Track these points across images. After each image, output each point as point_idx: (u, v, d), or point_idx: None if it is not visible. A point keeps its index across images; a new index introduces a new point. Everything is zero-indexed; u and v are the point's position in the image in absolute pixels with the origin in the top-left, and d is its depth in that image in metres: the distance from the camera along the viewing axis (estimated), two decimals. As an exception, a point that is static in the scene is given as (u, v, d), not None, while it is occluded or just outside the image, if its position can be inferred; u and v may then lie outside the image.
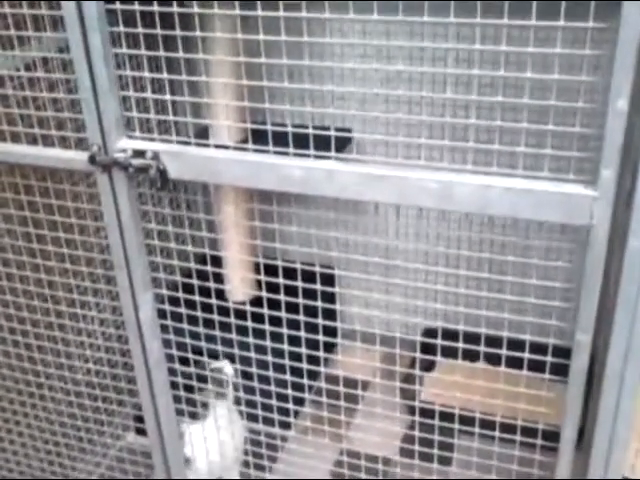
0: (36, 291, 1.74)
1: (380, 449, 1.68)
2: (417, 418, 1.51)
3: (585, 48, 1.03)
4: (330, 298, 1.54)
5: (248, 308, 1.50)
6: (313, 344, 1.52)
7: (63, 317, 1.78)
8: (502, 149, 1.17)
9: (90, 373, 1.89)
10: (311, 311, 1.48)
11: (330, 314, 1.52)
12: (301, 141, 1.27)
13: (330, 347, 1.53)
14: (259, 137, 1.31)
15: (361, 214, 1.53)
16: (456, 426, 1.46)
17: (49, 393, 1.91)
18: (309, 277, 1.43)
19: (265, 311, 1.49)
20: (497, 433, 1.41)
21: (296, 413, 1.72)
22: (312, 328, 1.50)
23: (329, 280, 1.47)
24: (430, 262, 1.46)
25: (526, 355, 1.31)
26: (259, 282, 1.53)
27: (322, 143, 1.27)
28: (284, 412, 1.66)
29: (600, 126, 1.05)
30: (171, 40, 1.29)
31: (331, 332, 1.51)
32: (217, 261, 1.64)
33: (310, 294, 1.45)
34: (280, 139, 1.28)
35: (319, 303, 1.44)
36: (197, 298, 1.52)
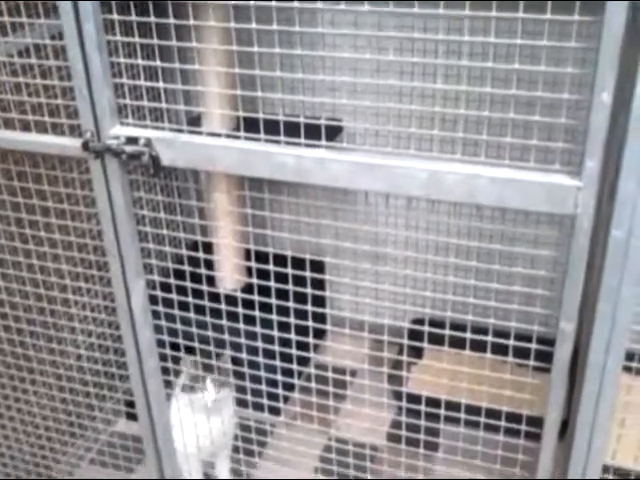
0: (28, 277, 1.76)
1: (368, 435, 1.71)
2: (404, 404, 1.53)
3: (571, 41, 1.05)
4: (320, 286, 1.56)
5: (239, 295, 1.52)
6: (303, 331, 1.53)
7: (55, 303, 1.79)
8: (490, 140, 1.19)
9: (81, 359, 1.90)
10: (301, 298, 1.50)
11: (320, 301, 1.53)
12: (292, 130, 1.28)
13: (320, 334, 1.54)
14: (250, 126, 1.33)
15: (351, 203, 1.55)
16: (442, 412, 1.49)
17: (40, 378, 1.93)
18: (299, 265, 1.45)
19: (255, 298, 1.51)
20: (482, 419, 1.44)
21: (285, 399, 1.74)
22: (302, 315, 1.51)
23: (319, 268, 1.48)
24: (419, 251, 1.48)
25: (511, 343, 1.34)
26: (249, 269, 1.54)
27: (313, 132, 1.28)
28: (274, 398, 1.68)
29: (586, 118, 1.07)
30: (164, 28, 1.30)
31: (320, 319, 1.53)
32: (208, 248, 1.65)
33: (300, 282, 1.47)
34: (271, 128, 1.29)
35: (309, 290, 1.45)
36: (188, 284, 1.54)
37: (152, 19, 1.27)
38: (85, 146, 1.37)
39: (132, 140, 1.34)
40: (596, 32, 1.01)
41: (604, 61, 1.01)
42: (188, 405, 1.84)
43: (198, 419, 1.81)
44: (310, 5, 1.17)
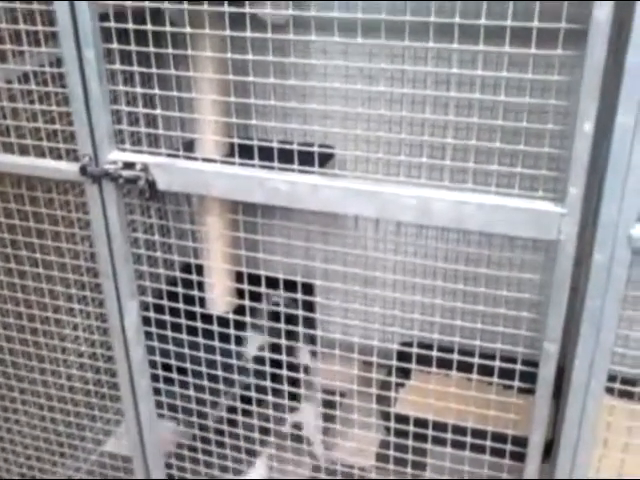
0: (23, 298, 1.77)
1: (357, 454, 1.73)
2: (392, 425, 1.56)
3: (555, 73, 1.10)
4: (309, 308, 1.58)
5: (231, 316, 1.55)
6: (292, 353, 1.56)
7: (48, 323, 1.81)
8: (477, 167, 1.23)
9: (72, 379, 1.91)
10: (291, 320, 1.52)
11: (309, 323, 1.56)
12: (284, 156, 1.32)
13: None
14: (244, 151, 1.36)
15: (341, 227, 1.58)
16: (430, 432, 1.51)
17: (32, 398, 1.94)
18: (289, 287, 1.48)
19: (247, 320, 1.54)
20: (469, 439, 1.47)
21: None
22: (292, 336, 1.54)
23: (309, 290, 1.51)
24: (408, 274, 1.51)
25: (497, 364, 1.37)
26: (240, 291, 1.57)
27: (304, 159, 1.32)
28: (264, 418, 1.70)
29: (569, 147, 1.11)
30: (160, 55, 1.34)
31: (310, 341, 1.56)
32: (199, 271, 1.68)
33: (290, 304, 1.50)
34: (264, 154, 1.33)
35: (300, 312, 1.48)
36: (181, 306, 1.56)
37: (151, 49, 1.31)
38: (83, 170, 1.40)
39: (129, 165, 1.37)
40: (579, 63, 1.06)
41: (586, 93, 1.05)
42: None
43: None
44: (305, 38, 1.21)
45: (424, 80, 1.74)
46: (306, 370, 1.86)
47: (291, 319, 1.52)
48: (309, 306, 1.57)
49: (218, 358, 1.60)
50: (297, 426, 2.00)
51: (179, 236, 1.57)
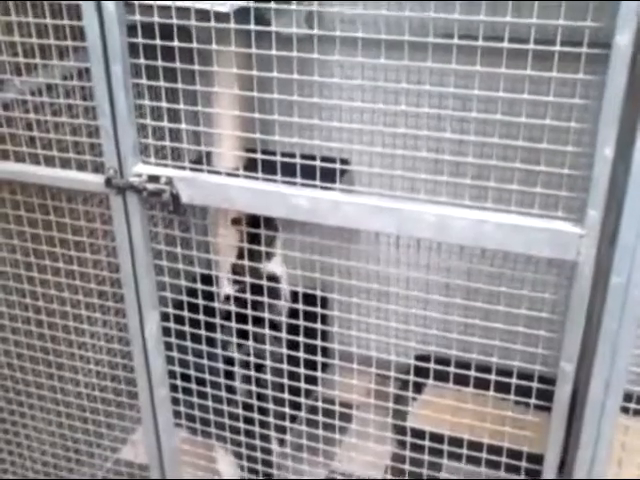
0: (44, 306, 1.80)
1: (370, 467, 1.74)
2: (408, 438, 1.57)
3: (575, 92, 1.12)
4: (322, 320, 1.60)
5: (250, 328, 1.57)
6: (307, 364, 1.58)
7: (69, 331, 1.83)
8: (496, 186, 1.24)
9: (88, 387, 1.93)
10: (305, 333, 1.54)
11: (323, 336, 1.57)
12: (301, 169, 1.33)
13: (322, 367, 1.59)
14: (261, 164, 1.38)
15: (356, 242, 1.59)
16: (445, 447, 1.52)
17: (50, 405, 1.96)
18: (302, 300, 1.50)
19: (266, 332, 1.55)
20: (484, 455, 1.48)
21: (290, 430, 1.78)
22: (305, 348, 1.55)
23: (322, 303, 1.53)
24: (423, 290, 1.53)
25: (514, 381, 1.38)
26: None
27: (319, 172, 1.34)
28: (280, 429, 1.72)
29: (588, 167, 1.13)
30: (175, 69, 1.36)
31: (323, 353, 1.57)
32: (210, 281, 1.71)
33: (305, 317, 1.52)
34: (281, 166, 1.35)
35: (316, 325, 1.50)
36: (201, 317, 1.58)
37: (177, 65, 1.33)
38: (108, 182, 1.43)
39: (154, 178, 1.40)
40: (597, 81, 1.07)
41: (606, 118, 1.07)
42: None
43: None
44: (328, 57, 1.23)
45: (440, 95, 1.76)
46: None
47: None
48: (322, 319, 1.58)
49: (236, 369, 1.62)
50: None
51: (197, 247, 1.59)
